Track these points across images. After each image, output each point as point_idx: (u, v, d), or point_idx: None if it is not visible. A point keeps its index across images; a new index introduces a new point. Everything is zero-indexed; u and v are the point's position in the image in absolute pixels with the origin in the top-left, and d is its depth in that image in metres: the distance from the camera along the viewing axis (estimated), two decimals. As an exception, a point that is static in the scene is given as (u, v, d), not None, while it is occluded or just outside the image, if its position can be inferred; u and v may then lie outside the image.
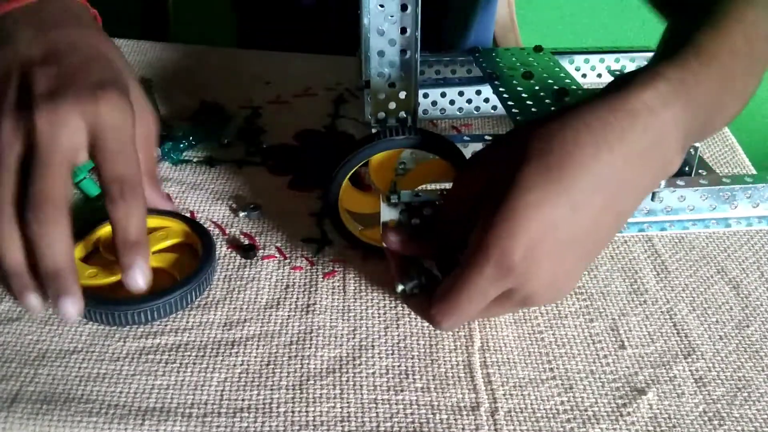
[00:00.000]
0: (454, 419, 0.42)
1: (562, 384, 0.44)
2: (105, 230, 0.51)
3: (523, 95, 0.56)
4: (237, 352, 0.45)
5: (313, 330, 0.47)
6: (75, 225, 0.44)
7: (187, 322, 0.47)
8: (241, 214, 0.56)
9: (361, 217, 0.53)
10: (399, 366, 0.45)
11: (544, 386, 0.44)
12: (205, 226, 0.53)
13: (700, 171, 0.52)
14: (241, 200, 0.58)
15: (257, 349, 0.46)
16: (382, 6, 0.47)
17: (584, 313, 0.49)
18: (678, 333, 0.48)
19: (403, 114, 0.52)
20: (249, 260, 0.52)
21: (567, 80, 0.59)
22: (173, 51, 0.80)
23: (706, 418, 0.43)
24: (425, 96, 0.65)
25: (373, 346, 0.46)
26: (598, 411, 0.43)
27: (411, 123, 0.52)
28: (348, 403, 0.43)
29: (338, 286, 0.51)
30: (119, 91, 0.47)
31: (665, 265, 0.53)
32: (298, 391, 0.43)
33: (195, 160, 0.63)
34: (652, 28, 0.61)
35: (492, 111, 0.67)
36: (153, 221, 0.51)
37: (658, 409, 0.43)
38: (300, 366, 0.45)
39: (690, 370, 0.46)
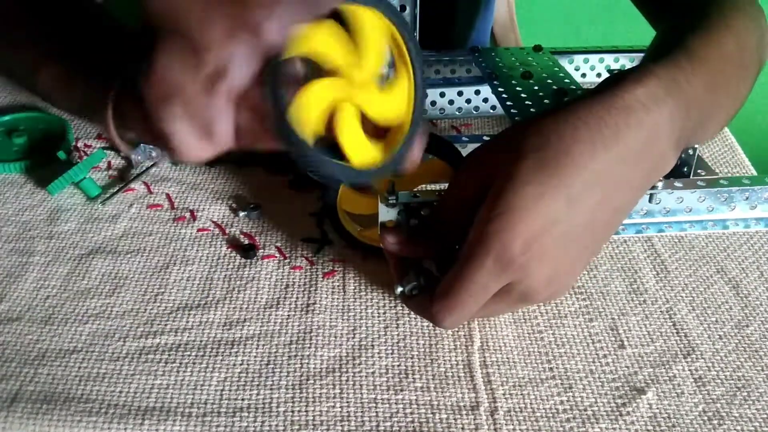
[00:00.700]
0: (454, 419, 0.42)
1: (561, 383, 0.44)
2: None
3: (522, 95, 0.56)
4: (237, 352, 0.46)
5: (312, 330, 0.47)
6: None
7: (187, 322, 0.47)
8: (241, 214, 0.56)
9: (360, 217, 0.53)
10: (399, 365, 0.45)
11: (543, 386, 0.44)
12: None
13: (699, 171, 0.52)
14: (241, 200, 0.58)
15: (257, 348, 0.46)
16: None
17: (584, 313, 0.49)
18: (677, 333, 0.48)
19: None
20: (249, 260, 0.52)
21: (566, 80, 0.59)
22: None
23: (705, 418, 0.43)
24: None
25: (372, 345, 0.46)
26: (597, 410, 0.43)
27: None
28: (348, 402, 0.43)
29: (338, 286, 0.51)
30: None
31: (665, 264, 0.53)
32: (298, 391, 0.43)
33: (195, 160, 0.63)
34: (652, 28, 0.61)
35: (491, 111, 0.67)
36: None
37: (657, 408, 0.43)
38: (300, 365, 0.45)
39: (689, 370, 0.46)
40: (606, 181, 0.39)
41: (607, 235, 0.43)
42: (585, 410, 0.43)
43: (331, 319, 0.48)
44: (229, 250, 0.53)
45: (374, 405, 0.43)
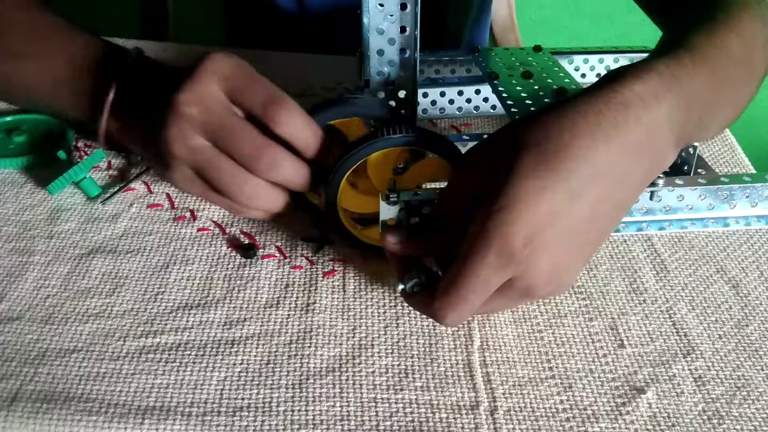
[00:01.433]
0: (454, 418, 0.42)
1: (561, 383, 0.44)
2: None
3: (522, 95, 0.56)
4: (237, 351, 0.46)
5: (312, 329, 0.47)
6: None
7: (187, 321, 0.47)
8: (241, 213, 0.56)
9: (359, 216, 0.53)
10: (398, 365, 0.45)
11: (543, 385, 0.44)
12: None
13: (699, 170, 0.52)
14: (240, 200, 0.58)
15: (257, 348, 0.46)
16: (381, 5, 0.47)
17: (584, 312, 0.49)
18: (677, 332, 0.48)
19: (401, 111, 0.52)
20: (249, 259, 0.52)
21: (566, 80, 0.59)
22: (173, 51, 0.80)
23: (705, 417, 0.43)
24: (424, 95, 0.65)
25: (372, 345, 0.46)
26: (597, 410, 0.43)
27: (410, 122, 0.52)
28: (348, 401, 0.43)
29: (338, 285, 0.51)
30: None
31: (665, 264, 0.53)
32: (298, 390, 0.43)
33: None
34: (652, 28, 0.62)
35: (491, 110, 0.67)
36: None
37: (657, 408, 0.43)
38: (300, 365, 0.45)
39: (689, 369, 0.46)
40: (606, 175, 0.39)
41: (608, 230, 0.43)
42: (585, 410, 0.43)
43: (331, 318, 0.48)
44: (229, 249, 0.53)
45: (374, 404, 0.43)
